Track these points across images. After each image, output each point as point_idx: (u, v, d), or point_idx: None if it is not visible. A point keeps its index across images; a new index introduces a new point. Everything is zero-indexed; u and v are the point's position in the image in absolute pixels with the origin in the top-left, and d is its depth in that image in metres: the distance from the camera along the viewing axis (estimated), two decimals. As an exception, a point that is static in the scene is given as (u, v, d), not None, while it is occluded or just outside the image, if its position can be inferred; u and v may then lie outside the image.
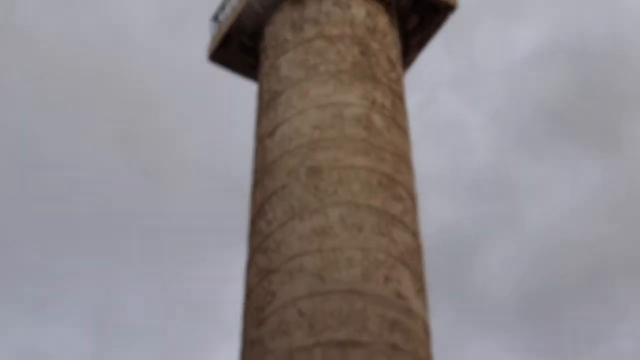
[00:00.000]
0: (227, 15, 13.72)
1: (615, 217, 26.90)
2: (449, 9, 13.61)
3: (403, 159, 11.71)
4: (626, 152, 27.65)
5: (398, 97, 12.33)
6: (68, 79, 27.88)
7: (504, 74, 27.64)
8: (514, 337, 27.09)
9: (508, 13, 26.90)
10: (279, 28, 12.73)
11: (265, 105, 12.29)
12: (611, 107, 27.98)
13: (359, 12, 12.57)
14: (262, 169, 11.68)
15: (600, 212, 27.10)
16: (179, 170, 27.87)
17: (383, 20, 12.71)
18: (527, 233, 27.29)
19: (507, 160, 27.90)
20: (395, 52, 12.67)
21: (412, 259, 10.90)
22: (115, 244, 27.84)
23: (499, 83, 27.84)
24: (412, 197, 11.52)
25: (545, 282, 26.99)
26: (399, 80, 12.57)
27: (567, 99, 27.73)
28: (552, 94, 27.83)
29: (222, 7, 13.85)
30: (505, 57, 27.28)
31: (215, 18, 13.96)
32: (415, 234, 11.21)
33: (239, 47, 13.72)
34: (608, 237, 26.83)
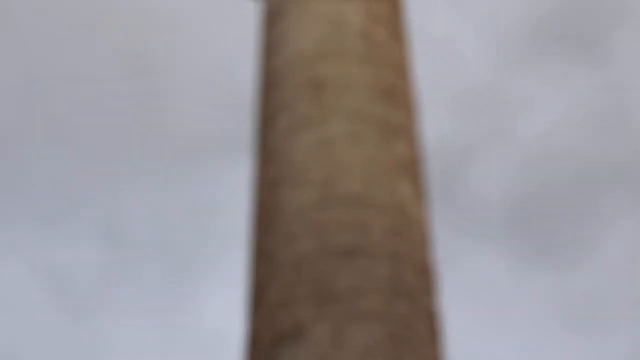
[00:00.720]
0: None
1: (601, 125, 27.29)
2: None
3: (404, 68, 11.77)
4: (613, 62, 27.91)
5: (399, 6, 12.34)
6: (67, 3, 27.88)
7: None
8: (504, 246, 27.59)
9: None
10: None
11: (268, 21, 12.34)
12: (599, 18, 28.06)
13: None
14: (267, 83, 11.77)
15: (586, 121, 27.52)
16: (180, 85, 27.97)
17: None
18: (515, 144, 27.63)
19: (497, 75, 28.03)
20: None
21: (414, 168, 11.03)
22: (121, 159, 28.18)
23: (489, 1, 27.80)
24: (414, 106, 11.60)
25: (534, 190, 27.51)
26: None
27: (554, 12, 27.80)
28: (540, 8, 27.88)
29: None
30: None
31: None
32: (418, 143, 11.32)
33: None
34: (594, 144, 27.22)
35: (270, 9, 12.45)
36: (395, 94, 11.40)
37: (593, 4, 27.86)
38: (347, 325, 9.65)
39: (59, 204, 28.56)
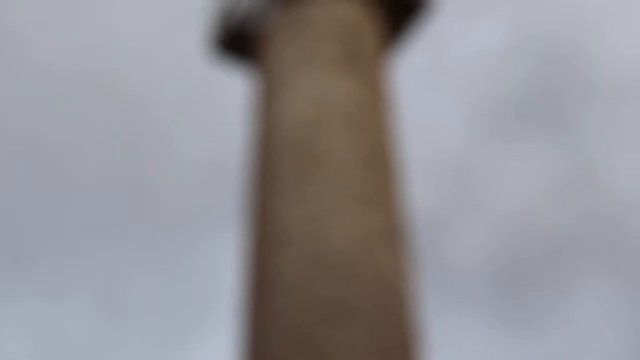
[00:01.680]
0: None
1: (573, 204, 27.89)
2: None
3: (389, 138, 11.92)
4: (583, 139, 28.52)
5: (385, 80, 12.58)
6: (63, 81, 28.06)
7: (473, 66, 28.09)
8: (483, 311, 27.92)
9: (478, 6, 27.25)
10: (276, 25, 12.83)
11: (260, 97, 12.50)
12: (574, 101, 28.69)
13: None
14: (254, 152, 11.92)
15: (560, 199, 27.99)
16: (174, 167, 28.13)
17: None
18: (490, 216, 28.03)
19: (475, 148, 28.48)
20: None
21: (399, 234, 11.06)
22: (116, 234, 28.22)
23: (467, 75, 28.28)
24: (398, 174, 11.73)
25: (511, 261, 27.86)
26: (386, 63, 12.87)
27: (531, 93, 28.36)
28: (518, 88, 28.42)
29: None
30: (474, 49, 27.68)
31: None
32: (401, 210, 11.38)
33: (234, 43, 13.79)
34: (566, 221, 27.76)
35: (261, 86, 12.61)
36: (380, 165, 11.48)
37: (563, 83, 28.51)
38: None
39: (60, 280, 28.63)
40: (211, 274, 28.58)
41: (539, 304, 27.93)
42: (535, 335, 27.97)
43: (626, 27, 28.59)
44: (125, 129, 28.17)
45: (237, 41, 13.62)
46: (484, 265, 28.14)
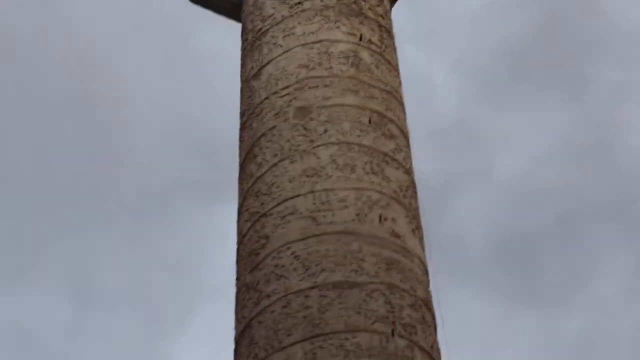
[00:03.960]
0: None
1: (582, 162, 26.69)
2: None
3: (393, 95, 11.26)
4: (590, 95, 27.36)
5: (386, 32, 11.82)
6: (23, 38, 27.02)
7: (464, 21, 27.15)
8: (489, 285, 26.90)
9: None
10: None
11: (249, 46, 11.79)
12: (573, 51, 27.59)
13: None
14: (250, 111, 11.28)
15: (567, 158, 26.88)
16: (142, 132, 27.08)
17: None
18: (496, 181, 26.96)
19: (471, 109, 27.46)
20: None
21: (406, 196, 10.45)
22: (87, 210, 27.13)
23: (459, 31, 27.36)
24: (404, 134, 11.09)
25: (517, 229, 26.77)
26: (386, 15, 12.02)
27: (528, 44, 27.35)
28: (513, 39, 27.47)
29: None
30: (464, 3, 26.71)
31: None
32: (408, 171, 10.78)
33: None
34: (576, 182, 26.55)
35: (252, 33, 11.88)
36: (385, 120, 10.87)
37: (566, 38, 27.44)
38: (341, 363, 8.98)
39: (24, 260, 27.56)
40: (190, 254, 27.56)
41: (554, 270, 26.78)
42: (549, 306, 26.92)
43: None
44: (85, 91, 27.07)
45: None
46: (492, 236, 27.22)
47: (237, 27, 12.84)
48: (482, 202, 26.77)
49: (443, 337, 10.01)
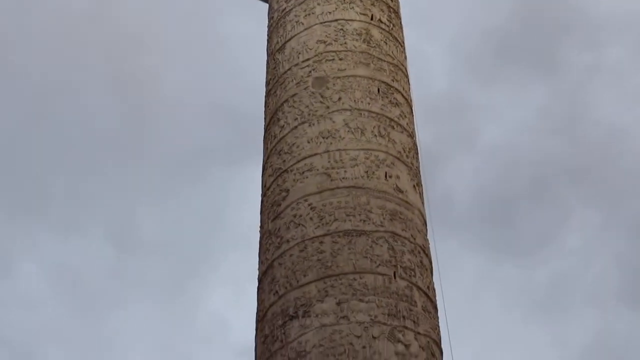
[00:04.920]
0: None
1: (556, 132, 28.07)
2: None
3: (400, 68, 12.20)
4: (563, 74, 28.68)
5: (394, 12, 12.80)
6: (60, 18, 28.04)
7: (456, 9, 28.25)
8: (475, 237, 28.24)
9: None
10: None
11: (275, 24, 12.76)
12: (549, 35, 28.81)
13: None
14: (274, 80, 12.18)
15: (544, 128, 28.21)
16: (177, 105, 28.39)
17: None
18: (482, 148, 28.30)
19: (461, 85, 28.66)
20: None
21: (408, 157, 11.37)
22: (129, 171, 28.63)
23: (451, 17, 28.46)
24: (408, 102, 12.02)
25: (499, 189, 28.22)
26: None
27: (511, 29, 28.51)
28: (498, 25, 28.57)
29: None
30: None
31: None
32: (411, 134, 11.68)
33: None
34: (551, 149, 27.97)
35: (277, 12, 12.80)
36: (391, 90, 11.79)
37: (544, 24, 28.62)
38: (350, 300, 9.91)
39: (75, 212, 29.11)
40: (216, 208, 29.08)
41: (530, 232, 28.29)
42: (526, 258, 28.40)
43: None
44: (121, 68, 28.34)
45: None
46: (478, 195, 28.42)
47: (261, 8, 13.67)
48: (469, 166, 28.08)
49: (438, 279, 11.00)
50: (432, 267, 10.91)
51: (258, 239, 11.30)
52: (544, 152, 28.12)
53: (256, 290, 10.89)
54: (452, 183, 27.24)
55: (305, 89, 11.68)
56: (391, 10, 12.72)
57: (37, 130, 28.16)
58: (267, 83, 12.41)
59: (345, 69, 11.69)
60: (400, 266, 10.27)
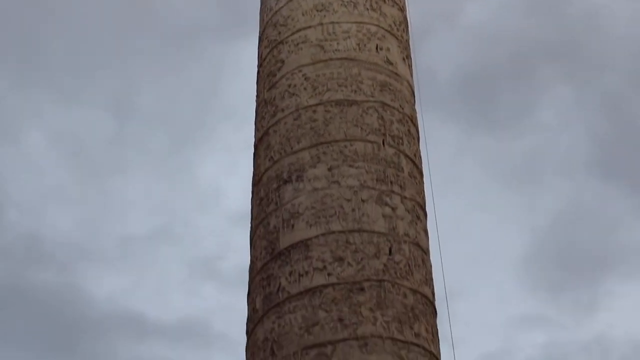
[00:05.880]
0: None
1: (536, 11, 28.52)
2: None
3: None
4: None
5: None
6: None
7: None
8: (455, 112, 28.92)
9: None
10: None
11: None
12: None
13: None
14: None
15: (524, 7, 28.64)
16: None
17: None
18: (463, 26, 28.63)
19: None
20: None
21: (399, 30, 11.66)
22: (129, 44, 29.11)
23: None
24: None
25: (479, 66, 28.73)
26: None
27: None
28: None
29: None
30: None
31: None
32: (401, 8, 11.98)
33: None
34: (530, 28, 28.49)
35: None
36: None
37: None
38: (341, 166, 10.37)
39: (78, 82, 29.69)
40: (218, 85, 29.64)
41: (509, 106, 28.95)
42: (504, 133, 29.11)
43: None
44: None
45: None
46: (460, 70, 28.83)
47: None
48: (450, 43, 28.39)
49: (424, 147, 11.45)
50: (419, 136, 11.32)
51: (250, 111, 11.70)
52: (523, 30, 28.55)
53: (252, 156, 11.30)
54: (436, 58, 27.62)
55: None
56: None
57: (43, 2, 28.48)
58: None
59: None
60: (389, 134, 10.66)
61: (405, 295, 9.68)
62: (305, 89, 10.92)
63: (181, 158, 29.85)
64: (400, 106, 11.05)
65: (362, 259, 9.77)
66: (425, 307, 9.84)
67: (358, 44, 11.18)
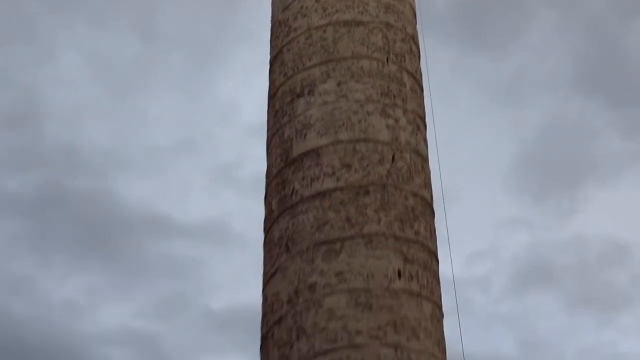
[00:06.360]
0: None
1: None
2: None
3: None
4: None
5: None
6: None
7: None
8: (449, 34, 29.87)
9: None
10: None
11: None
12: None
13: None
14: None
15: None
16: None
17: None
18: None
19: None
20: None
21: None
22: None
23: None
24: None
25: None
26: None
27: None
28: None
29: None
30: None
31: None
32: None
33: None
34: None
35: None
36: None
37: None
38: (349, 82, 11.24)
39: (107, 5, 30.80)
40: (232, 6, 30.65)
41: (499, 28, 29.86)
42: (495, 54, 30.10)
43: None
44: None
45: None
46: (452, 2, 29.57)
47: None
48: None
49: (424, 65, 12.32)
50: (419, 54, 12.11)
51: (266, 33, 12.42)
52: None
53: (267, 73, 12.11)
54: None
55: None
56: None
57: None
58: None
59: None
60: (392, 52, 11.45)
61: (406, 198, 10.55)
62: (316, 10, 11.67)
63: (202, 75, 31.16)
64: (403, 26, 11.81)
65: (367, 165, 10.61)
66: (424, 208, 10.71)
67: None
